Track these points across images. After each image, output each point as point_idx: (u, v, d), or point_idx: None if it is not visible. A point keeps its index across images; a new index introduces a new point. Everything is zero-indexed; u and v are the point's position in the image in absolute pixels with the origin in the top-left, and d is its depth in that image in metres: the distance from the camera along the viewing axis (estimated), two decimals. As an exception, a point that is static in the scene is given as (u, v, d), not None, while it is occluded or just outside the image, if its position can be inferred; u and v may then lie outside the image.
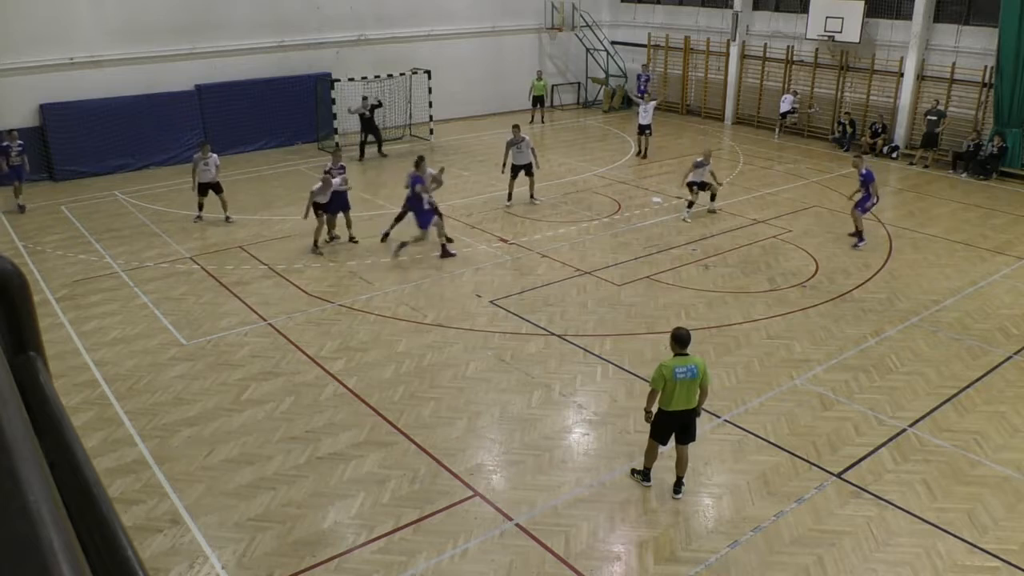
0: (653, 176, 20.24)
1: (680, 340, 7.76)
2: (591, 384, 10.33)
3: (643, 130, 21.68)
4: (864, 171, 14.87)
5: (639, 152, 22.04)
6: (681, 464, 8.06)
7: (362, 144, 21.82)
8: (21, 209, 17.47)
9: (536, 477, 8.44)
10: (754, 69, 26.03)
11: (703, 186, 16.78)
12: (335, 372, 10.59)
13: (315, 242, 14.89)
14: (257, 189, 19.30)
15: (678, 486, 8.12)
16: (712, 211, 17.14)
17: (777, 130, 24.60)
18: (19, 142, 17.42)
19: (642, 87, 26.90)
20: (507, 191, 17.69)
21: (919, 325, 12.00)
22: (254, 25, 22.42)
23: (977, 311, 12.49)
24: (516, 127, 17.37)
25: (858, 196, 15.18)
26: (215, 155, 16.48)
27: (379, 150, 22.07)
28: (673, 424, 7.87)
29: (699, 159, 16.65)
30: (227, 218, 16.67)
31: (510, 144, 17.28)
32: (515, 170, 17.43)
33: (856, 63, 23.42)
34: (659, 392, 7.72)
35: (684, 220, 16.58)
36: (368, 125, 21.56)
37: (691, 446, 8.10)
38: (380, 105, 22.01)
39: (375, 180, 20.15)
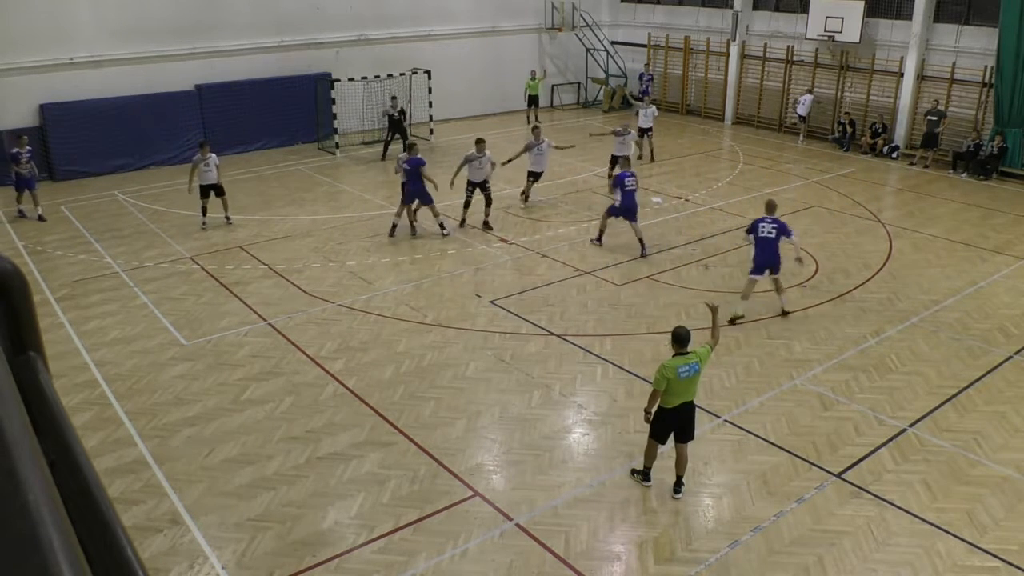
0: (653, 176, 20.24)
1: (680, 339, 7.78)
2: (591, 384, 10.33)
3: (643, 133, 21.62)
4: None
5: (640, 156, 21.96)
6: (681, 463, 8.07)
7: (386, 143, 22.03)
8: (41, 219, 16.80)
9: (536, 477, 8.45)
10: (754, 69, 26.03)
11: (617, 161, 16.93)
12: (335, 372, 10.59)
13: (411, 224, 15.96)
14: (257, 189, 19.30)
15: (678, 486, 8.12)
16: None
17: (801, 135, 23.89)
18: (28, 148, 16.69)
19: (645, 87, 27.20)
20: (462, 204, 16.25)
21: (919, 325, 12.00)
22: (254, 25, 22.42)
23: (977, 311, 12.49)
24: (480, 141, 15.94)
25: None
26: (214, 155, 16.33)
27: (403, 150, 22.19)
28: (673, 422, 7.88)
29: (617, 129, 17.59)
30: (227, 219, 16.63)
31: (468, 159, 15.82)
32: (471, 186, 16.03)
33: (856, 63, 23.41)
34: (660, 392, 7.73)
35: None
36: (396, 126, 21.73)
37: (691, 445, 8.13)
38: (404, 113, 22.13)
39: (379, 180, 20.13)
